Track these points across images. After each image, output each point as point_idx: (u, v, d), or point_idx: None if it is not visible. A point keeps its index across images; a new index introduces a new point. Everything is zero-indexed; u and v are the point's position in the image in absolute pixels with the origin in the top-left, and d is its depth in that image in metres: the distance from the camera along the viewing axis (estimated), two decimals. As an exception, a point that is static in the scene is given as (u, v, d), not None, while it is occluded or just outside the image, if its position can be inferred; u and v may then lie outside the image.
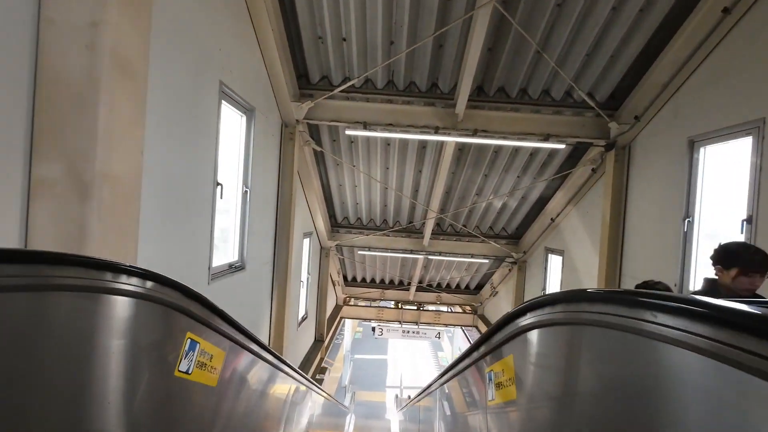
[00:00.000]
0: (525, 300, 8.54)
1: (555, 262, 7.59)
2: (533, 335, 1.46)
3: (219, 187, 3.54)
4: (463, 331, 19.96)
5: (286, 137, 5.38)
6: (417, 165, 6.94)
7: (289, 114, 5.19)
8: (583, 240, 6.34)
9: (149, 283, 1.37)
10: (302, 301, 7.53)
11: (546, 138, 5.36)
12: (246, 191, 4.26)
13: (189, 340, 1.79)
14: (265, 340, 5.14)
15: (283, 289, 5.42)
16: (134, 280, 1.28)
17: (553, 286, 7.65)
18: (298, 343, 7.34)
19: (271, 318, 5.32)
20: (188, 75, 2.96)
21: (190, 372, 1.82)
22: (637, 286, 2.61)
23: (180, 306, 1.65)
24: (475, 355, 2.42)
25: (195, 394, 1.97)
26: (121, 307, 1.26)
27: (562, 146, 5.54)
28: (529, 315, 1.48)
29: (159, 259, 2.64)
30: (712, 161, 4.06)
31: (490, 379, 2.11)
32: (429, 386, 4.50)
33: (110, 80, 1.95)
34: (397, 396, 13.05)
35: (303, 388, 4.76)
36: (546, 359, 1.43)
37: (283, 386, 3.85)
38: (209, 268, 3.44)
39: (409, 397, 11.99)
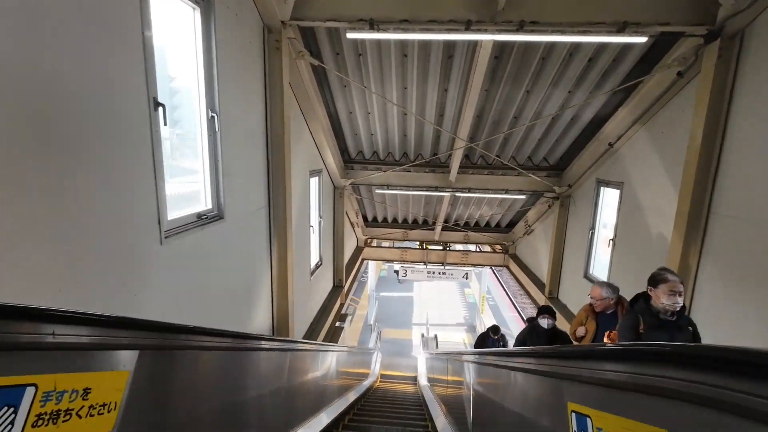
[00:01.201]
0: (566, 240, 7.48)
1: (610, 197, 6.34)
2: None
3: (161, 109, 2.50)
4: (492, 270, 19.33)
5: (271, 47, 4.16)
6: (442, 82, 5.59)
7: (270, 11, 3.90)
8: (654, 169, 5.03)
9: None
10: (314, 247, 6.77)
11: (621, 28, 3.88)
12: (213, 117, 3.22)
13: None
14: (266, 302, 4.42)
15: (284, 238, 4.57)
16: None
17: (606, 225, 6.48)
18: (313, 293, 6.71)
19: (272, 275, 4.54)
20: None
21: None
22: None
23: None
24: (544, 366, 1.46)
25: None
26: None
27: (642, 39, 4.04)
28: None
29: (40, 221, 1.73)
30: None
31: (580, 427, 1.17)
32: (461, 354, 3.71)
33: None
34: (423, 335, 12.82)
35: (307, 354, 4.09)
36: None
37: (276, 365, 3.11)
38: (160, 222, 2.53)
39: (436, 337, 11.67)
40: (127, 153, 2.25)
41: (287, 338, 4.11)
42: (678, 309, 2.41)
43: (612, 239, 5.94)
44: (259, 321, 4.23)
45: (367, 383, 9.18)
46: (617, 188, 5.87)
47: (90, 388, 1.22)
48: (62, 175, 1.84)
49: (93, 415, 1.24)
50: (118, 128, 2.18)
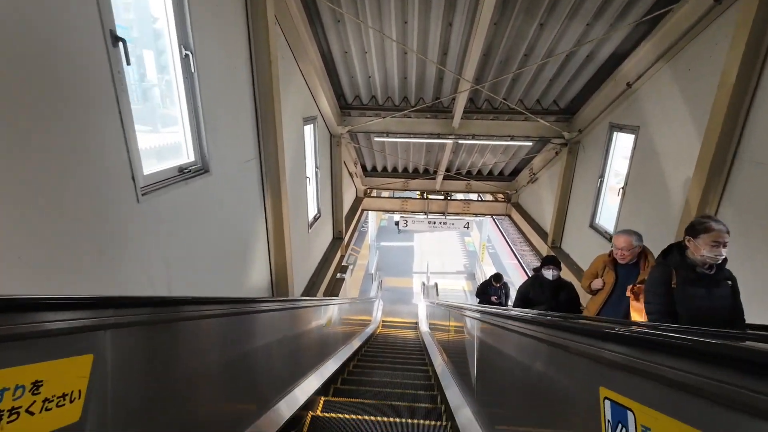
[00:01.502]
0: (572, 189, 7.21)
1: (623, 142, 5.99)
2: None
3: (121, 45, 2.13)
4: (493, 219, 19.27)
5: (250, -28, 3.61)
6: (446, 14, 5.01)
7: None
8: (675, 111, 4.64)
9: None
10: (311, 200, 6.53)
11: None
12: (187, 56, 2.82)
13: None
14: (263, 259, 4.26)
15: (278, 191, 4.32)
16: None
17: (617, 172, 6.19)
18: (312, 246, 6.58)
19: (268, 230, 4.34)
20: None
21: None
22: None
23: None
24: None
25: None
26: None
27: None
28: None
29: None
30: None
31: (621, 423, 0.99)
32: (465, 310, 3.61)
33: None
34: (423, 283, 13.01)
35: (309, 310, 4.01)
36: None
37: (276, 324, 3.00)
38: (134, 178, 2.26)
39: (436, 285, 11.82)
40: (83, 98, 1.93)
41: (282, 299, 4.00)
42: (719, 262, 2.17)
43: (622, 187, 5.68)
44: (257, 279, 4.11)
45: (369, 330, 9.40)
46: (632, 133, 5.50)
47: (41, 381, 1.04)
48: (8, 126, 1.54)
49: (50, 409, 1.06)
50: (70, 69, 1.84)
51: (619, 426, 0.99)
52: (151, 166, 2.57)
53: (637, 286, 2.66)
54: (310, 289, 6.01)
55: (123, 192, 2.21)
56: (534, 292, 4.03)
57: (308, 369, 3.65)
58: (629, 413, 0.95)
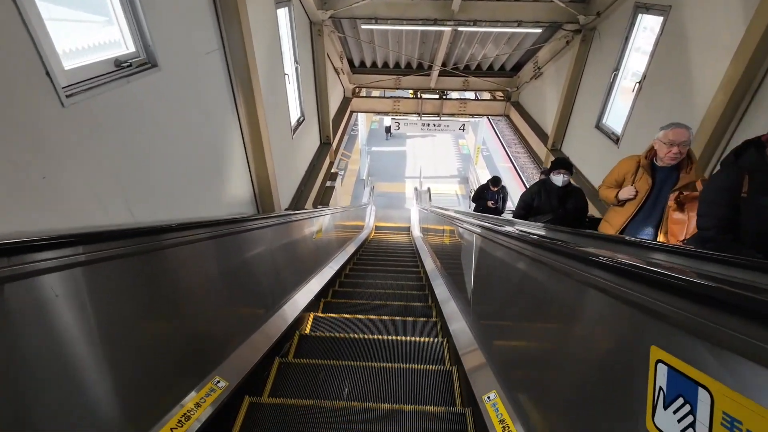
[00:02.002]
0: (580, 85, 6.56)
1: (648, 25, 5.21)
2: None
3: None
4: (489, 121, 18.39)
5: None
6: None
7: None
8: (720, -16, 3.88)
9: None
10: (293, 100, 5.86)
11: None
12: None
13: None
14: (241, 170, 3.85)
15: (251, 89, 3.73)
16: None
17: (635, 62, 5.52)
18: (298, 153, 6.11)
19: (243, 134, 3.85)
20: None
21: None
22: None
23: None
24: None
25: None
26: None
27: None
28: None
29: None
30: None
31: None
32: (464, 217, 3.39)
33: None
34: (416, 188, 12.85)
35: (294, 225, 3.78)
36: None
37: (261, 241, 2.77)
38: (50, 75, 1.75)
39: (429, 190, 11.68)
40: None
41: (266, 215, 3.75)
42: None
43: (639, 82, 5.10)
44: (237, 193, 3.76)
45: (363, 236, 9.48)
46: (661, 14, 4.72)
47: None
48: None
49: None
50: None
51: (680, 401, 0.77)
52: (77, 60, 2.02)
53: (687, 193, 2.19)
54: (298, 200, 5.73)
55: (38, 94, 1.71)
56: (540, 199, 3.60)
57: (307, 275, 3.89)
58: (702, 392, 0.72)
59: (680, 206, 2.22)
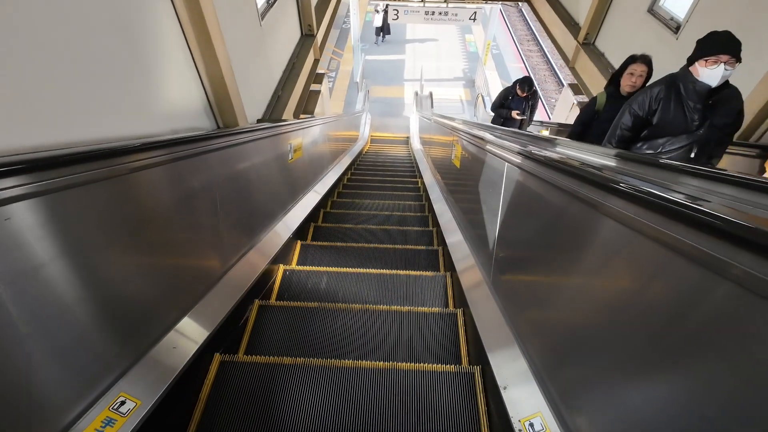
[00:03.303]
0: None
1: None
2: None
3: None
4: (501, 12, 15.87)
5: None
6: None
7: None
8: None
9: None
10: (258, -29, 4.39)
11: None
12: None
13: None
14: (180, 61, 2.73)
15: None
16: None
17: None
18: (270, 46, 4.79)
19: (179, 15, 2.68)
20: None
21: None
22: None
23: None
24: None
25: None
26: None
27: None
28: None
29: None
30: None
31: None
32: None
33: None
34: (416, 93, 11.45)
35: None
36: None
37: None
38: None
39: (431, 94, 10.37)
40: None
41: (208, 133, 2.80)
42: None
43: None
44: (179, 101, 2.72)
45: (357, 148, 8.55)
46: None
47: None
48: None
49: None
50: None
51: None
52: None
53: None
54: (274, 106, 4.66)
55: None
56: (668, 111, 2.17)
57: (287, 203, 3.60)
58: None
59: None
